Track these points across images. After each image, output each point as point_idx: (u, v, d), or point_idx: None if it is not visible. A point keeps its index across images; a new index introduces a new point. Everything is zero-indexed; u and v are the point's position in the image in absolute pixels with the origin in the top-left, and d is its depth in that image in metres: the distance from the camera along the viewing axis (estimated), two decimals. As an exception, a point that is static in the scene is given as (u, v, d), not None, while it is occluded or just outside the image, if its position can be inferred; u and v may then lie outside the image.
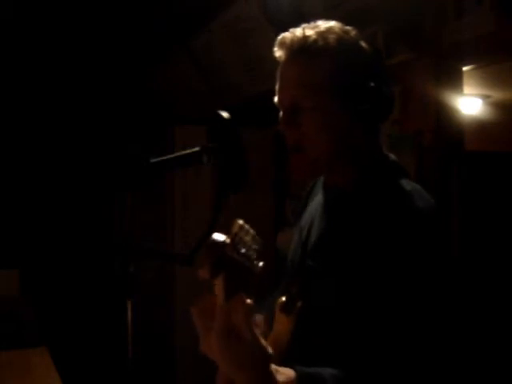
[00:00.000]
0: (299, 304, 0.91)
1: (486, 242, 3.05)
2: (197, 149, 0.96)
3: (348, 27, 1.03)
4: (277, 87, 1.04)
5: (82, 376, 3.07)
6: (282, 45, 1.03)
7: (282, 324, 0.99)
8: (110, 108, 3.89)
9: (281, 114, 1.04)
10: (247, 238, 0.86)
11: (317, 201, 1.13)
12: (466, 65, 2.19)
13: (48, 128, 3.82)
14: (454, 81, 2.22)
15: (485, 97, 4.00)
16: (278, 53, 1.04)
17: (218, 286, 0.83)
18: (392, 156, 1.06)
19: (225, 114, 0.95)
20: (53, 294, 3.63)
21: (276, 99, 1.05)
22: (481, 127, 3.87)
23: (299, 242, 1.12)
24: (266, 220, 3.31)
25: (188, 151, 0.96)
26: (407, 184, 0.98)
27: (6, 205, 3.68)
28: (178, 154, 0.97)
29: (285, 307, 0.94)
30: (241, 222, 0.86)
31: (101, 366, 3.37)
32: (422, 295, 0.89)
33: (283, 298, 0.91)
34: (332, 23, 1.02)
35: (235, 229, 0.85)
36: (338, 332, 0.93)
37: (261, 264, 0.88)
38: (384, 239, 0.91)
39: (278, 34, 1.06)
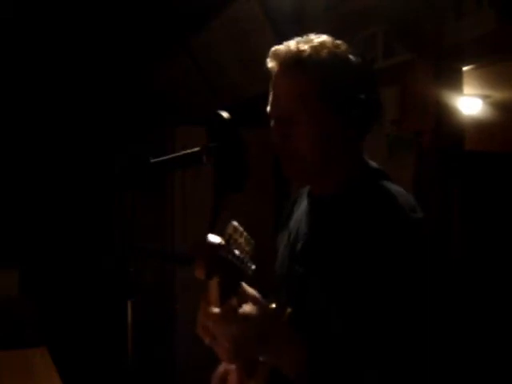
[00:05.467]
0: (289, 310, 0.92)
1: (487, 241, 3.05)
2: (197, 149, 0.96)
3: (338, 41, 1.05)
4: (270, 98, 1.06)
5: (82, 376, 3.07)
6: (276, 57, 1.04)
7: None
8: (111, 108, 3.90)
9: (272, 123, 1.05)
10: (241, 240, 0.87)
11: (302, 208, 1.16)
12: (465, 65, 2.19)
13: (48, 128, 3.83)
14: (454, 81, 2.22)
15: (485, 97, 4.00)
16: (271, 64, 1.05)
17: (213, 287, 0.84)
18: (372, 162, 1.10)
19: (225, 114, 0.96)
20: (53, 294, 3.63)
21: (268, 109, 1.06)
22: (481, 127, 3.86)
23: (287, 245, 1.14)
24: (266, 220, 3.30)
25: (188, 151, 0.97)
26: (391, 187, 1.02)
27: (6, 204, 3.68)
28: (178, 154, 0.98)
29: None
30: (235, 223, 0.86)
31: (101, 366, 3.37)
32: (411, 296, 0.91)
33: (273, 305, 0.92)
34: (324, 37, 1.05)
35: (229, 230, 0.86)
36: (332, 334, 0.94)
37: (253, 267, 0.88)
38: (372, 241, 0.93)
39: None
